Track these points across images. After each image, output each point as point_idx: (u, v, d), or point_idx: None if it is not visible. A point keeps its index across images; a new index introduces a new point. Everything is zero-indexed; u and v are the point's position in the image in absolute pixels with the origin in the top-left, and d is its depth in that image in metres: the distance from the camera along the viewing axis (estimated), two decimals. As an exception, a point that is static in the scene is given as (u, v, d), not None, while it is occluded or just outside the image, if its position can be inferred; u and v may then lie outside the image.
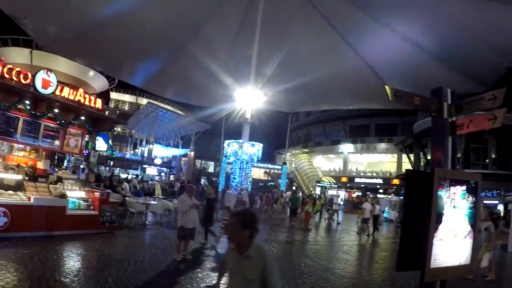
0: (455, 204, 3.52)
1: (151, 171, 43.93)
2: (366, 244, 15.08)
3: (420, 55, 19.61)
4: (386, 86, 3.57)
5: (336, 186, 44.00)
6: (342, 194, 39.63)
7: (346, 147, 49.81)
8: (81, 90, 11.69)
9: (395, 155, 44.91)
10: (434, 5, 16.22)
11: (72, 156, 15.12)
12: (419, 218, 3.43)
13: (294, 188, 42.29)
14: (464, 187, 3.56)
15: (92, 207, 10.97)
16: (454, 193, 3.49)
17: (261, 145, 26.94)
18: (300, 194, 34.18)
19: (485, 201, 32.74)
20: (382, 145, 47.00)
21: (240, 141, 26.28)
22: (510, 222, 20.45)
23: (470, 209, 3.67)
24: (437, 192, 3.34)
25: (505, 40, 16.42)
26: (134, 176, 35.55)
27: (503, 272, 11.16)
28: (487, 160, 35.54)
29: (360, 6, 18.88)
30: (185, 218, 8.68)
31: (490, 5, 14.38)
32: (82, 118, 11.55)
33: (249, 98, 25.44)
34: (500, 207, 32.88)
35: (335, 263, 10.40)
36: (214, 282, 6.86)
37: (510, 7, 13.96)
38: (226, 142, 27.99)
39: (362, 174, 48.98)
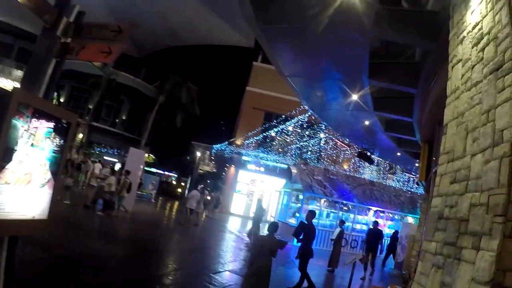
0: (34, 142, 2.78)
1: None
2: None
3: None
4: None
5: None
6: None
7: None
8: None
9: (28, 87, 40.10)
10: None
11: None
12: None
13: None
14: (52, 124, 2.89)
15: None
16: (36, 127, 2.75)
17: None
18: None
19: (105, 157, 34.69)
20: (20, 73, 40.69)
21: None
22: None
23: (54, 152, 3.04)
24: (12, 121, 2.50)
25: (175, 22, 17.69)
26: None
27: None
28: (117, 120, 37.76)
29: None
30: None
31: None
32: None
33: None
34: (118, 165, 35.70)
35: None
36: None
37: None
38: None
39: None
